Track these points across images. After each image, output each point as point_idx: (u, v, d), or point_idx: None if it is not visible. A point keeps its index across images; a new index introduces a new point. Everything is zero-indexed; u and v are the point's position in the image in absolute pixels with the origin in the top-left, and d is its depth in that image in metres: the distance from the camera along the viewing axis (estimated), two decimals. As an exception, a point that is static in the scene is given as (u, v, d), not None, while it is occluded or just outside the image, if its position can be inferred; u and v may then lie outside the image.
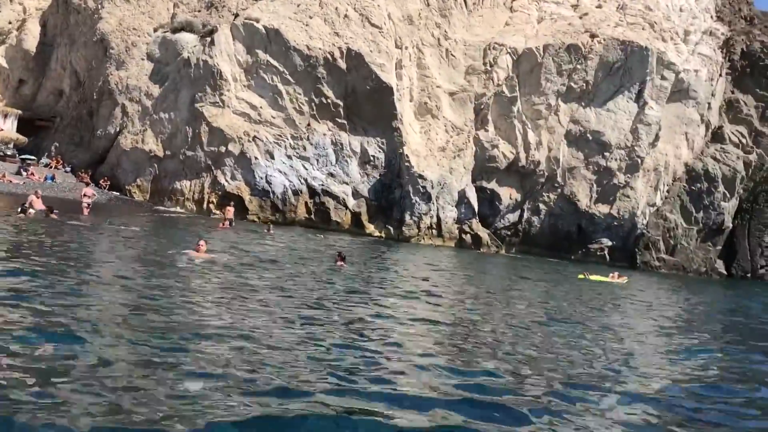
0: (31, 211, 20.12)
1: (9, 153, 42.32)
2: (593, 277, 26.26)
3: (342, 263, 16.48)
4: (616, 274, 28.17)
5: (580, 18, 46.20)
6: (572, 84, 43.11)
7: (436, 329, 10.38)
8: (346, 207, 40.09)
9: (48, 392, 5.13)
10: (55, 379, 5.46)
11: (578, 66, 43.07)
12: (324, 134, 40.17)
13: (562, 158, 43.29)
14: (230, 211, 30.42)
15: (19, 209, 19.92)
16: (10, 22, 48.27)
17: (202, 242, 14.00)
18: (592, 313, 15.14)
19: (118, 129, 41.29)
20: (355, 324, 9.59)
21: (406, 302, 12.71)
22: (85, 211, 23.51)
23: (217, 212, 39.09)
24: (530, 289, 19.98)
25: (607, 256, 43.34)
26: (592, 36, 43.63)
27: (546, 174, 43.36)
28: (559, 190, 43.45)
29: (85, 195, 24.91)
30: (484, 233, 41.50)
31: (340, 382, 6.34)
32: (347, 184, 40.30)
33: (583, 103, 43.39)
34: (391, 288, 15.17)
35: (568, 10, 47.62)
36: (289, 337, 8.05)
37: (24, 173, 36.50)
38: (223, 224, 26.93)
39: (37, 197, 23.30)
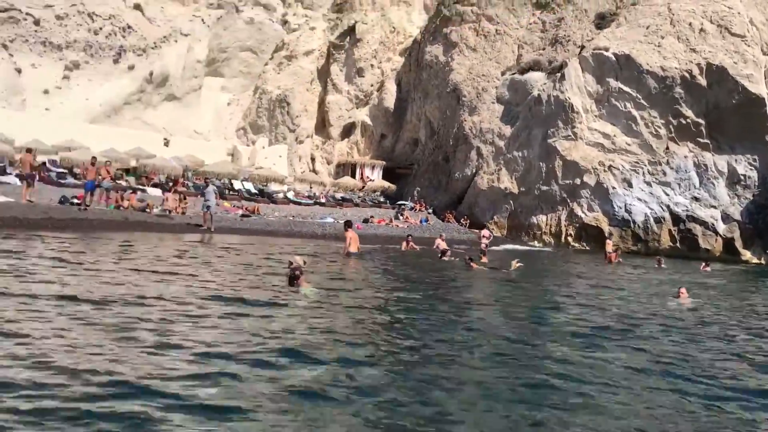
0: (449, 253, 22.30)
1: (382, 200, 47.93)
2: None
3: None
4: None
5: None
6: None
7: None
8: (716, 233, 37.17)
9: None
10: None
11: None
12: (685, 156, 38.03)
13: None
14: (610, 244, 30.19)
15: (440, 255, 22.13)
16: (372, 85, 55.14)
17: (683, 289, 14.17)
18: None
19: (474, 170, 44.16)
20: None
21: None
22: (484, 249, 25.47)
23: (575, 244, 39.40)
24: None
25: None
26: None
27: None
28: None
29: (483, 236, 27.06)
30: None
31: None
32: (715, 207, 37.43)
33: None
34: None
35: None
36: None
37: (401, 217, 40.93)
38: (614, 256, 26.60)
39: (442, 239, 25.98)
